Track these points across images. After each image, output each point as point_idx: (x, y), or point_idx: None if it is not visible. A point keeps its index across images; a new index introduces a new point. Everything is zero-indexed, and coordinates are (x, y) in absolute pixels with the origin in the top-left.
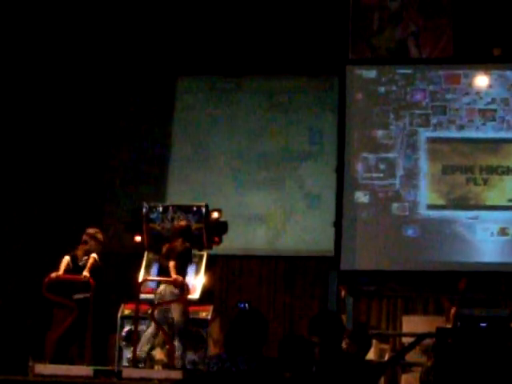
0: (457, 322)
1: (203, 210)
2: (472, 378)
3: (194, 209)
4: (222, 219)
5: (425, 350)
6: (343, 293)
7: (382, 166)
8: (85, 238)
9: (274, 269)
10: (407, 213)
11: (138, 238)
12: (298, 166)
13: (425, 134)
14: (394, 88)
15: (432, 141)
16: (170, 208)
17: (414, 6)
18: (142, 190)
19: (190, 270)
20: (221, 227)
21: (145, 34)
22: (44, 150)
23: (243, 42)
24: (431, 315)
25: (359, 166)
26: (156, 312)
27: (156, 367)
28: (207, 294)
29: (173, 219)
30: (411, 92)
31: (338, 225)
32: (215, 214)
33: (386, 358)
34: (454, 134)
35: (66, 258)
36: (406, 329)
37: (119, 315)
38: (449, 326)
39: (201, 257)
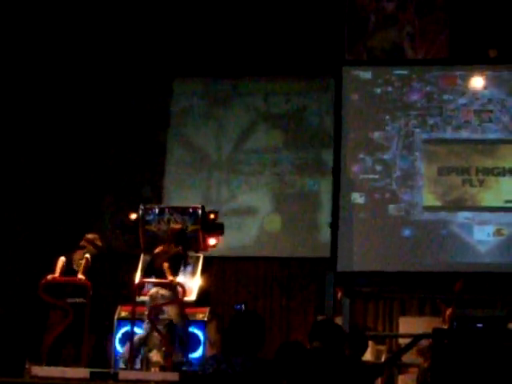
0: (453, 323)
1: (199, 211)
2: (469, 379)
3: (191, 210)
4: (218, 221)
5: (421, 351)
6: (340, 294)
7: (378, 167)
8: (83, 243)
9: (270, 270)
10: (404, 214)
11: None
12: (295, 168)
13: (421, 135)
14: (390, 89)
15: (428, 142)
16: (166, 210)
17: (410, 7)
18: (137, 192)
19: (187, 271)
20: (217, 229)
21: (141, 36)
22: (40, 152)
23: (239, 44)
24: (428, 316)
25: (355, 167)
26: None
27: (152, 369)
28: (204, 296)
29: (169, 221)
30: (407, 93)
31: (334, 226)
32: (211, 216)
33: (383, 359)
34: (449, 135)
35: (62, 259)
36: (402, 330)
37: (116, 317)
38: (445, 326)
39: (197, 258)
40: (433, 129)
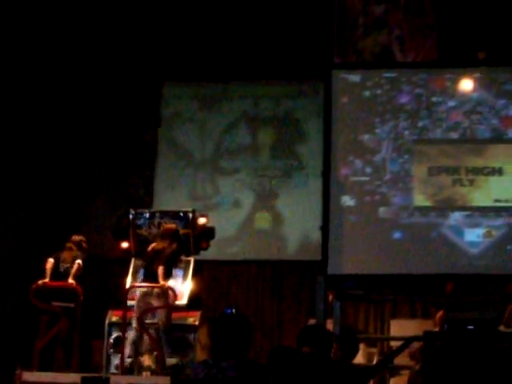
0: (444, 325)
1: (190, 215)
2: (460, 381)
3: (181, 214)
4: (209, 225)
5: (413, 354)
6: (331, 297)
7: (368, 170)
8: (69, 244)
9: (261, 274)
10: (394, 216)
11: (124, 245)
12: (285, 172)
13: (411, 137)
14: (379, 92)
15: (418, 142)
16: (157, 214)
17: (399, 10)
18: (128, 196)
19: (178, 275)
20: (208, 233)
21: (131, 40)
22: (29, 156)
23: (229, 48)
24: (419, 319)
25: (345, 170)
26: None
27: (144, 373)
28: (195, 300)
29: (159, 225)
30: (396, 96)
31: (324, 229)
32: (202, 220)
33: (374, 361)
34: (439, 135)
35: (50, 261)
36: (393, 332)
37: (107, 322)
38: (436, 329)
39: (188, 262)
40: (422, 131)
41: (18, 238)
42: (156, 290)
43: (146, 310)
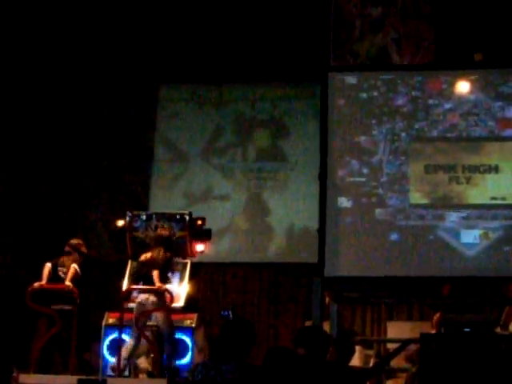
0: (441, 328)
1: (187, 217)
2: (457, 383)
3: (178, 217)
4: (206, 227)
5: (409, 357)
6: (327, 299)
7: (365, 172)
8: (68, 248)
9: (258, 276)
10: (391, 218)
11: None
12: (282, 174)
13: (407, 139)
14: (375, 94)
15: (414, 140)
16: (154, 216)
17: (395, 12)
18: (124, 198)
19: (174, 278)
20: (205, 235)
21: (127, 42)
22: (25, 159)
23: (225, 50)
24: (416, 321)
25: (342, 172)
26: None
27: (140, 376)
28: (192, 302)
29: (156, 227)
30: (393, 98)
31: (321, 231)
32: (199, 222)
33: (371, 364)
34: (436, 133)
35: (48, 266)
36: (390, 334)
37: (103, 324)
38: (433, 331)
39: (185, 265)
40: (419, 133)
41: (16, 240)
42: (151, 298)
43: (143, 312)
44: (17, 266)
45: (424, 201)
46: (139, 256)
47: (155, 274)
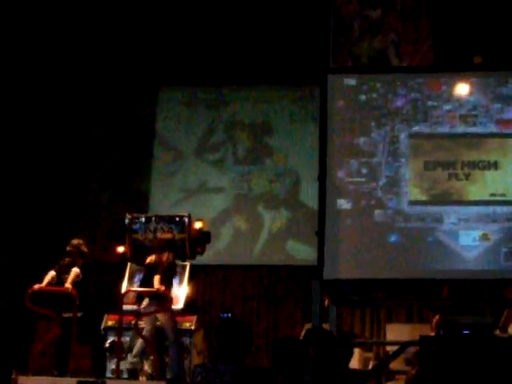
0: (440, 330)
1: (186, 220)
2: None
3: (177, 219)
4: (205, 229)
5: (408, 360)
6: (326, 302)
7: (364, 174)
8: (69, 248)
9: (257, 278)
10: (390, 220)
11: (120, 249)
12: (281, 177)
13: (406, 140)
14: (374, 95)
15: (414, 137)
16: (153, 218)
17: (395, 15)
18: (124, 201)
19: (174, 280)
20: (204, 237)
21: (127, 44)
22: (26, 162)
23: (225, 52)
24: (415, 323)
25: (341, 174)
26: (148, 323)
27: (140, 378)
28: (191, 305)
29: (155, 230)
30: (392, 100)
31: (320, 233)
32: (198, 224)
33: (370, 366)
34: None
35: (51, 273)
36: (389, 337)
37: (102, 326)
38: (433, 333)
39: (184, 267)
40: (418, 134)
41: (16, 241)
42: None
43: (143, 314)
44: (15, 267)
45: (423, 197)
46: (138, 258)
47: (157, 278)
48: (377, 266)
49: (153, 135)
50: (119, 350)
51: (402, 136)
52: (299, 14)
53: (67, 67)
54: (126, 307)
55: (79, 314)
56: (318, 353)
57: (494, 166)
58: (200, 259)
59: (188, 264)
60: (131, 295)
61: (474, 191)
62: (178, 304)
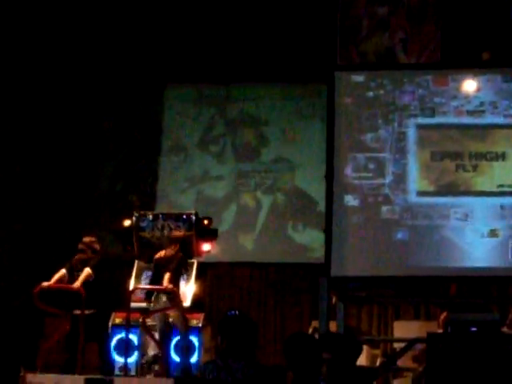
0: (447, 327)
1: (193, 217)
2: (463, 383)
3: (184, 217)
4: (212, 227)
5: (416, 357)
6: (334, 299)
7: (371, 170)
8: (81, 246)
9: (264, 275)
10: (397, 216)
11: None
12: (289, 173)
13: (413, 134)
14: (382, 92)
15: (421, 128)
16: (160, 216)
17: (402, 12)
18: (131, 198)
19: (181, 278)
20: (211, 234)
21: (133, 42)
22: (33, 159)
23: (231, 50)
24: (422, 320)
25: (348, 170)
26: (158, 320)
27: (147, 375)
28: (198, 302)
29: (163, 227)
30: (399, 96)
31: (327, 230)
32: (205, 222)
33: (378, 363)
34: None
35: (62, 271)
36: (397, 334)
37: (110, 324)
38: (440, 331)
39: (191, 265)
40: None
41: (23, 240)
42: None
43: (151, 312)
44: (23, 265)
45: (430, 188)
46: (146, 255)
47: (167, 275)
48: (384, 262)
49: (160, 131)
50: (127, 348)
51: (410, 131)
52: (306, 11)
53: (72, 67)
54: (133, 305)
55: (91, 311)
56: (334, 357)
57: (502, 157)
58: (207, 256)
59: (195, 261)
60: (138, 293)
61: (482, 182)
62: (186, 301)
